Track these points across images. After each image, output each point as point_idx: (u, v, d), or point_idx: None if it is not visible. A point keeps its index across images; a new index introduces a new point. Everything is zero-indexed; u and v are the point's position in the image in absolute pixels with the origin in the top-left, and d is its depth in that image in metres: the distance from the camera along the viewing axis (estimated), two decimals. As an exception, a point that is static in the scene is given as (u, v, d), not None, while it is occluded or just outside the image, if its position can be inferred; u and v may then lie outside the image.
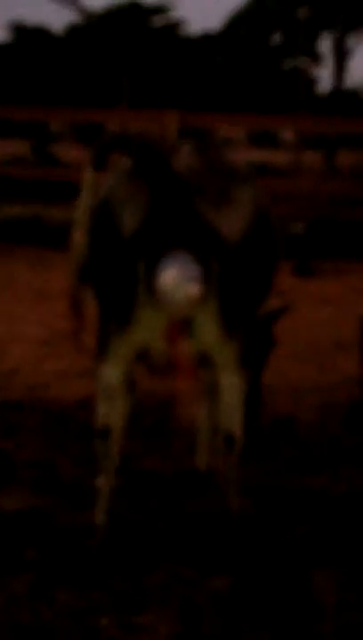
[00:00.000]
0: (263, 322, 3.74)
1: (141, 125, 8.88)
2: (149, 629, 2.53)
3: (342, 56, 21.39)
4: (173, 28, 37.36)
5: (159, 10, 37.68)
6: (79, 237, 2.82)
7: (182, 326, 2.72)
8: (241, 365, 2.87)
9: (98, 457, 2.91)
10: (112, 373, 2.86)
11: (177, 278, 2.59)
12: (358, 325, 4.68)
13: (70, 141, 25.64)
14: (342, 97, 21.47)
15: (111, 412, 2.88)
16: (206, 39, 37.38)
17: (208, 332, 2.76)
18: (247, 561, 2.88)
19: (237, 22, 37.15)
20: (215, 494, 3.06)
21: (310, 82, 36.07)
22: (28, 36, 37.72)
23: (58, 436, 3.87)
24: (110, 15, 36.56)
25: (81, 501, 3.20)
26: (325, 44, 35.38)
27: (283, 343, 5.41)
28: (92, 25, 34.82)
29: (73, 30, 37.25)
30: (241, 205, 2.78)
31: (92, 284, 2.86)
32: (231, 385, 2.88)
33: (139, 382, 3.03)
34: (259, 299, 2.97)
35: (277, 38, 36.46)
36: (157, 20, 37.93)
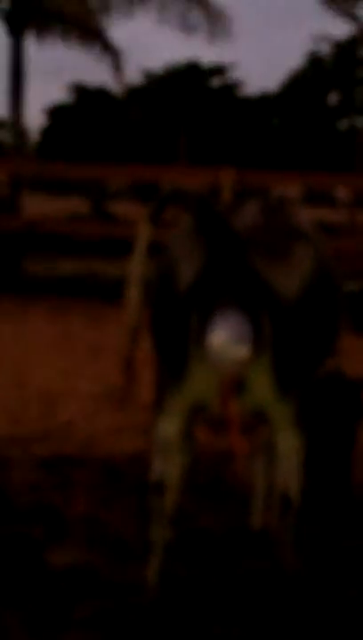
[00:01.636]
0: (349, 389, 3.78)
1: (197, 182, 8.95)
2: None
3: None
4: (230, 88, 37.85)
5: (217, 70, 38.25)
6: (133, 293, 2.81)
7: (235, 383, 2.69)
8: (298, 425, 2.82)
9: (152, 512, 2.87)
10: (168, 427, 2.83)
11: (226, 339, 2.58)
12: None
13: (129, 199, 25.94)
14: None
15: (166, 468, 2.84)
16: (264, 100, 37.76)
17: (262, 390, 2.73)
18: (302, 623, 2.80)
19: (295, 83, 37.47)
20: (270, 554, 3.00)
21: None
22: (89, 97, 38.54)
23: (110, 492, 3.84)
24: (169, 76, 37.23)
25: (132, 558, 3.16)
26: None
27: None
28: (151, 86, 35.35)
29: (133, 91, 37.95)
30: (299, 264, 2.75)
31: (151, 337, 2.86)
32: (288, 445, 2.82)
33: (197, 438, 2.99)
34: (318, 358, 2.92)
35: (333, 98, 36.72)
36: (216, 81, 38.43)
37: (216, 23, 13.66)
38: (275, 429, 2.84)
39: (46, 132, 39.35)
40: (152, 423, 2.88)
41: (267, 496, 3.32)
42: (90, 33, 13.48)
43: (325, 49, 36.01)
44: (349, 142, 33.09)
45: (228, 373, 2.66)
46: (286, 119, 36.66)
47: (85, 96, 38.69)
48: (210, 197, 2.79)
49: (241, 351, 2.59)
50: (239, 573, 3.12)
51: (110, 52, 13.58)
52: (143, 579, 2.89)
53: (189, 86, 36.30)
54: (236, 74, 39.27)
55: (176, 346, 2.71)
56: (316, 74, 36.53)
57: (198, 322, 2.64)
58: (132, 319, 2.79)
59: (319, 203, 28.56)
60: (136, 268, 2.78)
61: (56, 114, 39.42)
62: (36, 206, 16.56)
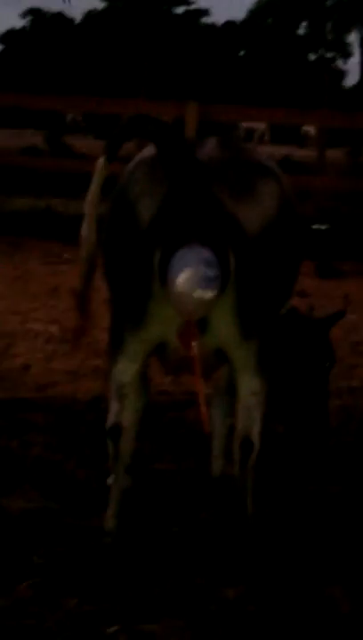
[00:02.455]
0: (319, 329, 3.68)
1: (160, 116, 8.79)
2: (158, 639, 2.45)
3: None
4: (194, 15, 37.08)
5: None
6: (88, 230, 2.71)
7: (198, 323, 2.60)
8: (261, 367, 2.75)
9: (109, 457, 2.83)
10: (125, 370, 2.76)
11: (193, 280, 2.46)
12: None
13: (86, 132, 25.55)
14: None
15: (123, 411, 2.79)
16: (230, 28, 37.08)
17: (224, 329, 2.66)
18: (260, 570, 2.79)
19: (263, 11, 36.81)
20: (230, 498, 2.97)
21: (337, 74, 35.81)
22: (46, 22, 37.60)
23: (67, 436, 3.79)
24: (132, 1, 36.41)
25: (90, 503, 3.13)
26: (353, 37, 35.19)
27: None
28: (112, 11, 34.59)
29: (92, 17, 37.07)
30: (263, 199, 2.66)
31: (105, 277, 2.76)
32: (250, 387, 2.76)
33: (153, 380, 2.94)
34: (280, 297, 2.84)
35: (303, 29, 36.14)
36: (179, 8, 37.63)
37: None
38: (237, 371, 2.77)
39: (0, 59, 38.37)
40: (108, 366, 2.80)
41: (227, 439, 3.27)
42: None
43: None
44: (318, 75, 32.70)
45: (191, 314, 2.56)
46: (252, 49, 36.09)
47: (42, 21, 37.76)
48: (174, 127, 2.68)
49: (209, 292, 2.48)
50: (199, 519, 3.10)
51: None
52: (101, 524, 2.85)
53: (151, 12, 35.56)
54: (201, 1, 38.50)
55: (137, 285, 2.61)
56: (285, 1, 35.85)
57: (161, 259, 2.53)
58: (87, 256, 2.71)
59: (287, 137, 28.32)
60: (92, 203, 2.67)
61: (10, 39, 38.44)
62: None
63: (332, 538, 3.02)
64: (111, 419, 2.80)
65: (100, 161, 2.67)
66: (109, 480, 2.85)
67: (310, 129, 25.46)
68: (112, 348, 2.77)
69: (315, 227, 8.69)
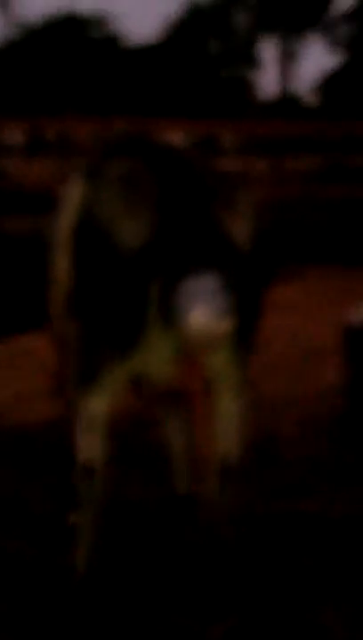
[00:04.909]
0: None
1: (90, 131, 8.65)
2: None
3: (285, 60, 21.37)
4: (112, 40, 37.51)
5: (96, 22, 37.89)
6: (64, 262, 2.44)
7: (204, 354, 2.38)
8: (243, 389, 2.57)
9: (81, 496, 2.55)
10: (100, 403, 2.48)
11: (208, 315, 2.22)
12: (332, 333, 4.50)
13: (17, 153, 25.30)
14: (287, 102, 21.42)
15: (96, 446, 2.52)
16: (146, 50, 37.55)
17: (222, 355, 2.44)
18: (247, 601, 2.59)
19: (173, 31, 37.45)
20: (204, 523, 2.76)
21: (251, 88, 36.40)
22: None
23: (26, 464, 3.56)
24: (47, 28, 36.63)
25: (57, 540, 2.90)
26: (267, 49, 35.86)
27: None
28: (29, 38, 34.98)
29: (10, 45, 37.14)
30: (246, 213, 2.45)
31: (78, 310, 2.45)
32: (233, 410, 2.56)
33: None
34: (260, 315, 2.62)
35: (215, 46, 36.68)
36: (95, 33, 38.10)
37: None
38: (219, 394, 2.55)
39: None
40: (75, 398, 2.53)
41: (187, 459, 3.05)
42: None
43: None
44: (233, 89, 33.08)
45: (208, 349, 2.33)
46: (167, 68, 36.58)
47: None
48: (164, 146, 2.44)
49: (225, 325, 2.25)
50: (174, 548, 2.89)
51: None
52: (71, 563, 2.62)
53: (68, 38, 35.71)
54: (115, 26, 38.73)
55: (127, 318, 2.32)
56: (193, 20, 36.57)
57: (162, 290, 2.27)
58: (64, 293, 2.46)
59: (205, 150, 28.42)
60: (67, 235, 2.41)
61: None
62: None
63: (315, 559, 2.84)
64: (83, 457, 2.51)
65: (78, 182, 2.41)
66: (78, 518, 2.57)
67: (226, 141, 25.63)
68: (83, 379, 2.48)
69: None
